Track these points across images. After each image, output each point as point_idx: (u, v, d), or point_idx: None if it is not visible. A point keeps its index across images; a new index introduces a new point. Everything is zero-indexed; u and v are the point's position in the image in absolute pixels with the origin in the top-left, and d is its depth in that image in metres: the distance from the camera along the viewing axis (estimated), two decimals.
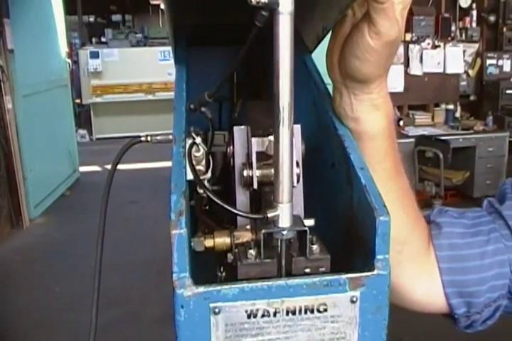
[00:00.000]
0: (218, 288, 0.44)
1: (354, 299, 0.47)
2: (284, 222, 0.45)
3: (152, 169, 6.56)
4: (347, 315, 0.47)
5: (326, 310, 0.46)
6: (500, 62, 5.84)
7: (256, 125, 0.53)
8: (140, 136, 0.62)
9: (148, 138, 0.62)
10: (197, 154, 0.54)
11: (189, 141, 0.55)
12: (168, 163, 0.51)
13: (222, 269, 0.55)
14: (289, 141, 0.44)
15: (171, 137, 0.54)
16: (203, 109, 0.53)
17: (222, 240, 0.49)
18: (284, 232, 0.45)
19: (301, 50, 0.68)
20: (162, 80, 8.64)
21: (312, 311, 0.46)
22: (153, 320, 3.17)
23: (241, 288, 0.44)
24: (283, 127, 0.43)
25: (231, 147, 0.55)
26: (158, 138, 0.61)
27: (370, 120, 0.58)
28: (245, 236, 0.50)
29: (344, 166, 0.55)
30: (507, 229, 0.69)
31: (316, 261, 0.47)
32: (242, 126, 0.55)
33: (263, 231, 0.45)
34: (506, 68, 5.84)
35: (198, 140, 0.55)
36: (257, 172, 0.51)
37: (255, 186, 0.50)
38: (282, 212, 0.45)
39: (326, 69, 0.59)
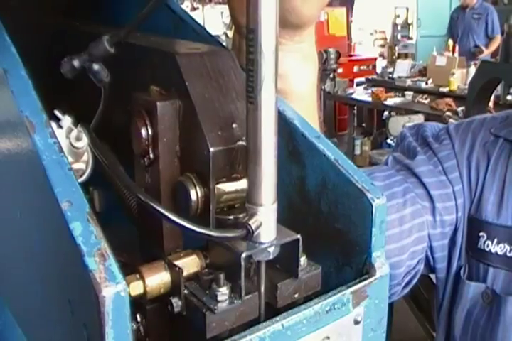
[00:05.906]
0: None
1: (359, 318, 0.35)
2: (270, 233, 0.30)
3: None
4: None
5: None
6: None
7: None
8: None
9: None
10: (78, 144, 0.35)
11: (56, 126, 0.35)
12: None
13: (141, 320, 0.35)
14: (274, 100, 0.28)
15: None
16: (95, 66, 0.33)
17: (157, 278, 0.32)
18: (271, 249, 0.30)
19: None
20: None
21: None
22: None
23: None
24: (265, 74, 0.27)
25: (146, 129, 0.34)
26: None
27: (299, 76, 0.45)
28: (191, 264, 0.33)
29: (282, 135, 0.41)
30: (421, 188, 0.64)
31: (307, 280, 0.33)
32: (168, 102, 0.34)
33: (244, 253, 0.29)
34: None
35: (68, 122, 0.36)
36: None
37: None
38: (266, 219, 0.29)
39: (231, 13, 0.43)
